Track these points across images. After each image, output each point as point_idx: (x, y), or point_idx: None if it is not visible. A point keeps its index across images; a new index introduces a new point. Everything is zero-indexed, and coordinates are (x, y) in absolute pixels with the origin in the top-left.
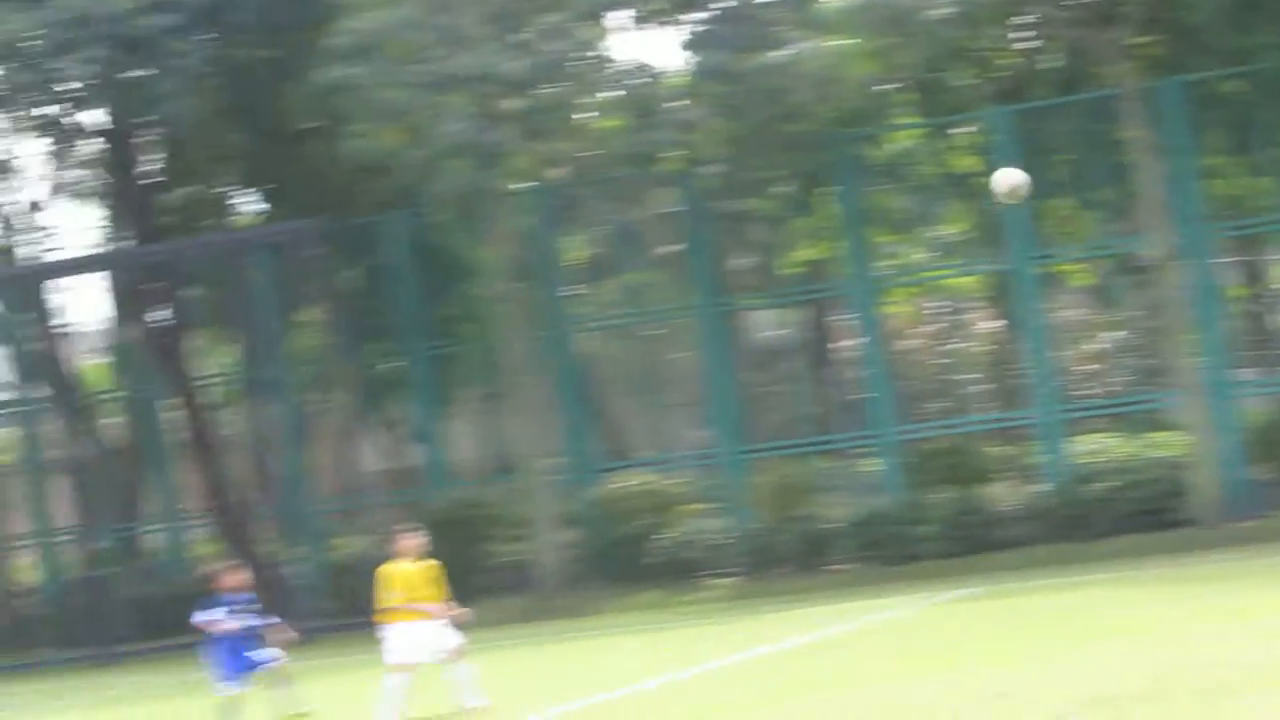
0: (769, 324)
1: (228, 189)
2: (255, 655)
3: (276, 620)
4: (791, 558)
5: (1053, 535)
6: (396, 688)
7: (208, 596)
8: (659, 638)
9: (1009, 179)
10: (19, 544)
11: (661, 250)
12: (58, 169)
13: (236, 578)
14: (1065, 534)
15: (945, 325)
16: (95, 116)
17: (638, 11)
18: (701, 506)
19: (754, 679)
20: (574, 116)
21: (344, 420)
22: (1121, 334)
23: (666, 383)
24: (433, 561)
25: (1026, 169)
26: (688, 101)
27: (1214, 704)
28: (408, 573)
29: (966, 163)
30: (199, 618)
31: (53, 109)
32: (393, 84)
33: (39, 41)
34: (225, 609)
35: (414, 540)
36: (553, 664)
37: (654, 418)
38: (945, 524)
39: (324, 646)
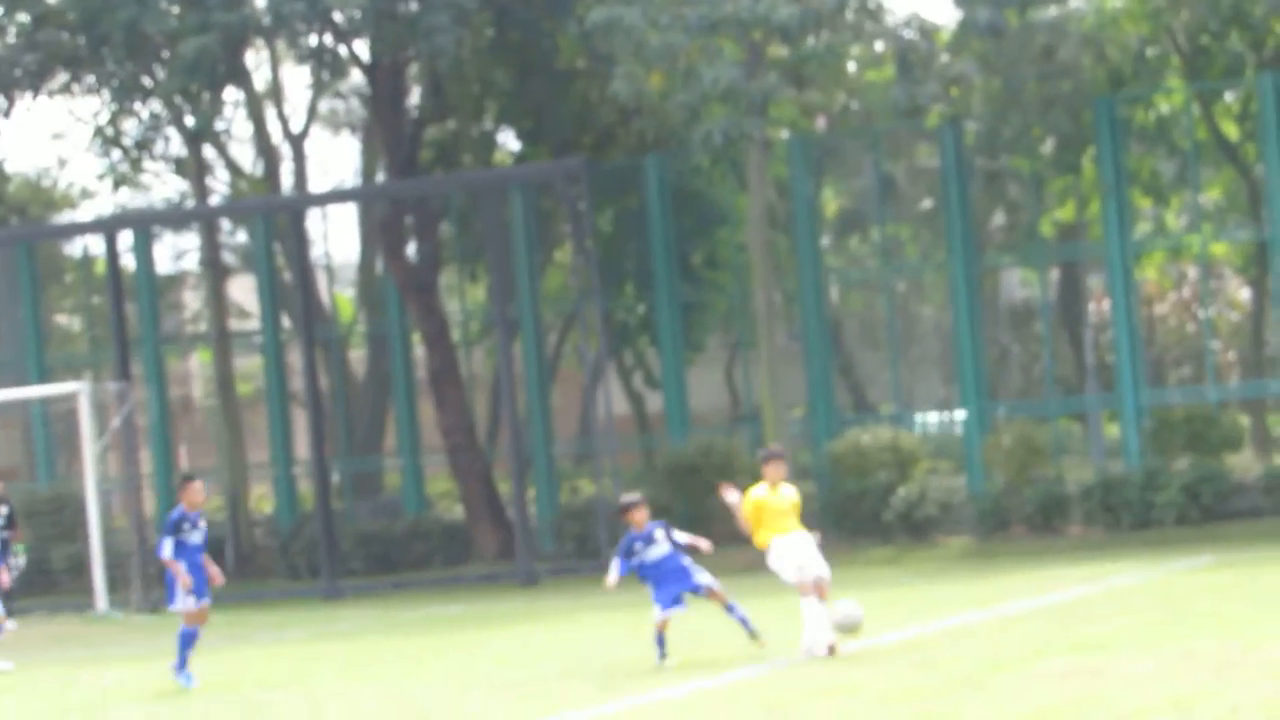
0: (1022, 284)
1: (487, 126)
2: (690, 579)
3: (693, 541)
4: (1027, 519)
5: None
6: (813, 608)
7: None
8: (893, 594)
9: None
10: (258, 473)
11: (919, 205)
12: (321, 100)
13: (641, 514)
14: None
15: (1198, 292)
16: (361, 48)
17: None
18: (940, 464)
19: (984, 640)
20: (842, 66)
21: (587, 363)
22: None
23: (913, 338)
24: (795, 491)
25: None
26: (954, 56)
27: None
28: (771, 499)
29: (1230, 129)
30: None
31: (321, 38)
32: (662, 26)
33: None
34: (639, 542)
35: (779, 466)
36: (785, 616)
37: (899, 373)
38: (1184, 492)
39: (552, 589)
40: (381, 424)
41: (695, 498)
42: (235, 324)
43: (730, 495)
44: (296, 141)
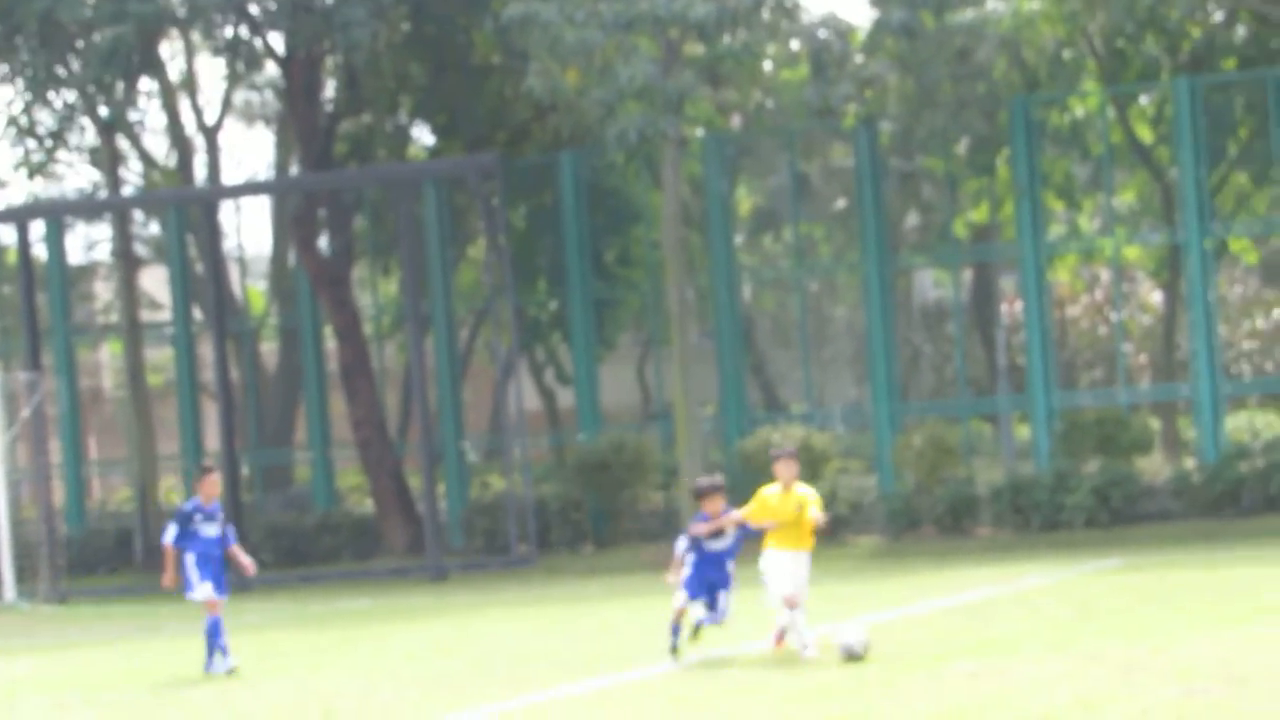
0: (935, 284)
1: (402, 121)
2: (723, 587)
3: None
4: (937, 520)
5: (1202, 511)
6: (795, 619)
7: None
8: None
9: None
10: (168, 465)
11: (833, 205)
12: (235, 92)
13: (717, 503)
14: (1215, 511)
15: (1110, 295)
16: (276, 41)
17: None
18: (850, 463)
19: (893, 640)
20: (758, 65)
21: (500, 359)
22: None
23: (827, 338)
24: (810, 491)
25: (1206, 141)
26: (868, 57)
27: None
28: (779, 499)
29: (1145, 132)
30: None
31: (236, 30)
32: (578, 22)
33: None
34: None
35: (790, 467)
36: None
37: (810, 372)
38: (1094, 494)
39: (461, 584)
40: (292, 417)
41: (606, 494)
42: (146, 315)
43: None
44: (210, 133)
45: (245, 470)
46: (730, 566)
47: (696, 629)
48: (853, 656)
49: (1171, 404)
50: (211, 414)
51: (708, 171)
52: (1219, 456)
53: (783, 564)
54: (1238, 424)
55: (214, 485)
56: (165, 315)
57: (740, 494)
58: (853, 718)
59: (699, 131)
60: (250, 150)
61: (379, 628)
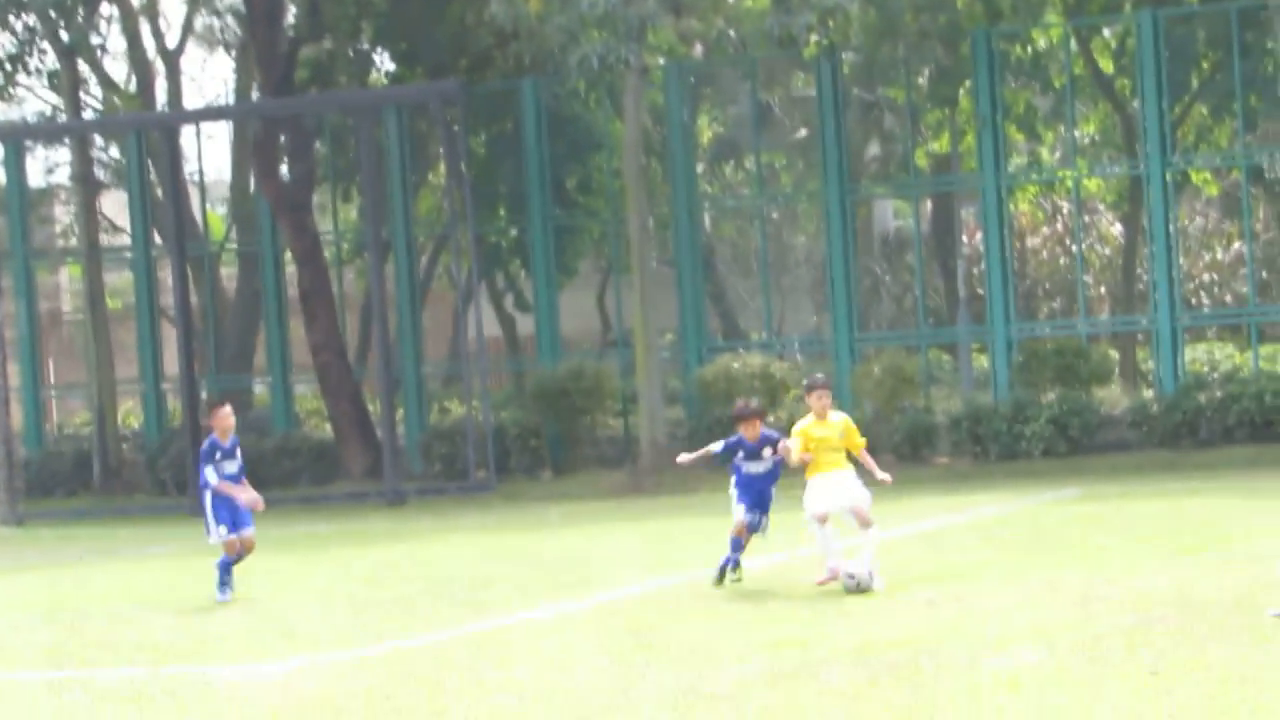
0: (895, 215)
1: (363, 47)
2: (763, 508)
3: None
4: (895, 448)
5: (1160, 442)
6: (827, 536)
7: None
8: None
9: None
10: (126, 389)
11: (794, 134)
12: (196, 16)
13: (756, 427)
14: (1172, 441)
15: (1071, 226)
16: None
17: None
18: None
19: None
20: None
21: (459, 285)
22: (1245, 245)
23: (785, 266)
24: (844, 417)
25: (1167, 73)
26: None
27: None
28: (819, 430)
29: (1107, 64)
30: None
31: None
32: None
33: None
34: (744, 451)
35: (823, 397)
36: (648, 540)
37: (770, 301)
38: (1052, 424)
39: (420, 509)
40: (251, 342)
41: (564, 420)
42: (106, 239)
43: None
44: (171, 58)
45: (204, 394)
46: (772, 491)
47: (723, 572)
48: (860, 588)
49: (1130, 335)
50: (171, 338)
51: (669, 100)
52: (1177, 388)
53: (826, 487)
54: (1196, 355)
55: (227, 418)
56: (125, 239)
57: (699, 420)
58: (808, 644)
59: (660, 60)
60: (211, 75)
61: (337, 552)
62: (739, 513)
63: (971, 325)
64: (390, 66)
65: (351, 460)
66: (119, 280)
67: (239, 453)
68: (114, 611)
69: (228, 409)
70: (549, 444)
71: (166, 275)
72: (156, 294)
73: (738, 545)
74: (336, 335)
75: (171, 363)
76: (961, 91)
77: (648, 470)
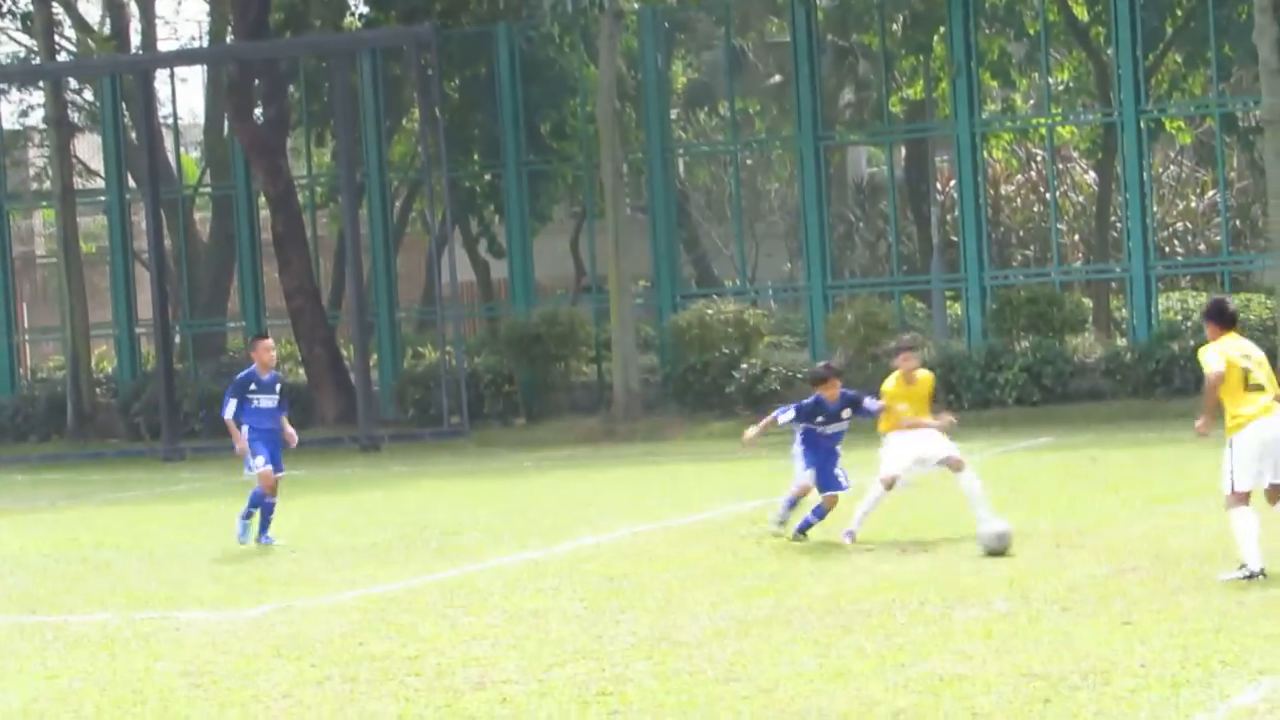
0: (869, 161)
1: None
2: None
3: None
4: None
5: (1133, 390)
6: (877, 500)
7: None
8: (733, 466)
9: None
10: (100, 333)
11: (768, 80)
12: None
13: (836, 388)
14: (1146, 390)
15: (1045, 174)
16: None
17: None
18: (784, 339)
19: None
20: None
21: (433, 230)
22: (1219, 194)
23: (759, 213)
24: (929, 375)
25: (1142, 20)
26: None
27: None
28: (905, 390)
29: (1081, 11)
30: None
31: None
32: None
33: None
34: (823, 415)
35: (910, 359)
36: (622, 487)
37: (744, 247)
38: (1026, 372)
39: (393, 454)
40: (225, 286)
41: (538, 366)
42: (80, 183)
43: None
44: (145, 1)
45: (178, 339)
46: (839, 449)
47: (785, 519)
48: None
49: (1104, 283)
50: (145, 282)
51: (643, 44)
52: (1151, 336)
53: (907, 445)
54: (1170, 304)
55: (267, 351)
56: (99, 183)
57: (673, 367)
58: (780, 593)
59: (635, 4)
60: (185, 19)
61: (311, 497)
62: (805, 476)
63: (945, 273)
64: (364, 10)
65: (325, 405)
66: (93, 224)
67: (280, 388)
68: (86, 557)
69: (268, 341)
70: (523, 390)
71: (140, 219)
72: (130, 238)
73: (791, 504)
74: (310, 280)
75: (145, 307)
76: (935, 38)
77: (621, 416)
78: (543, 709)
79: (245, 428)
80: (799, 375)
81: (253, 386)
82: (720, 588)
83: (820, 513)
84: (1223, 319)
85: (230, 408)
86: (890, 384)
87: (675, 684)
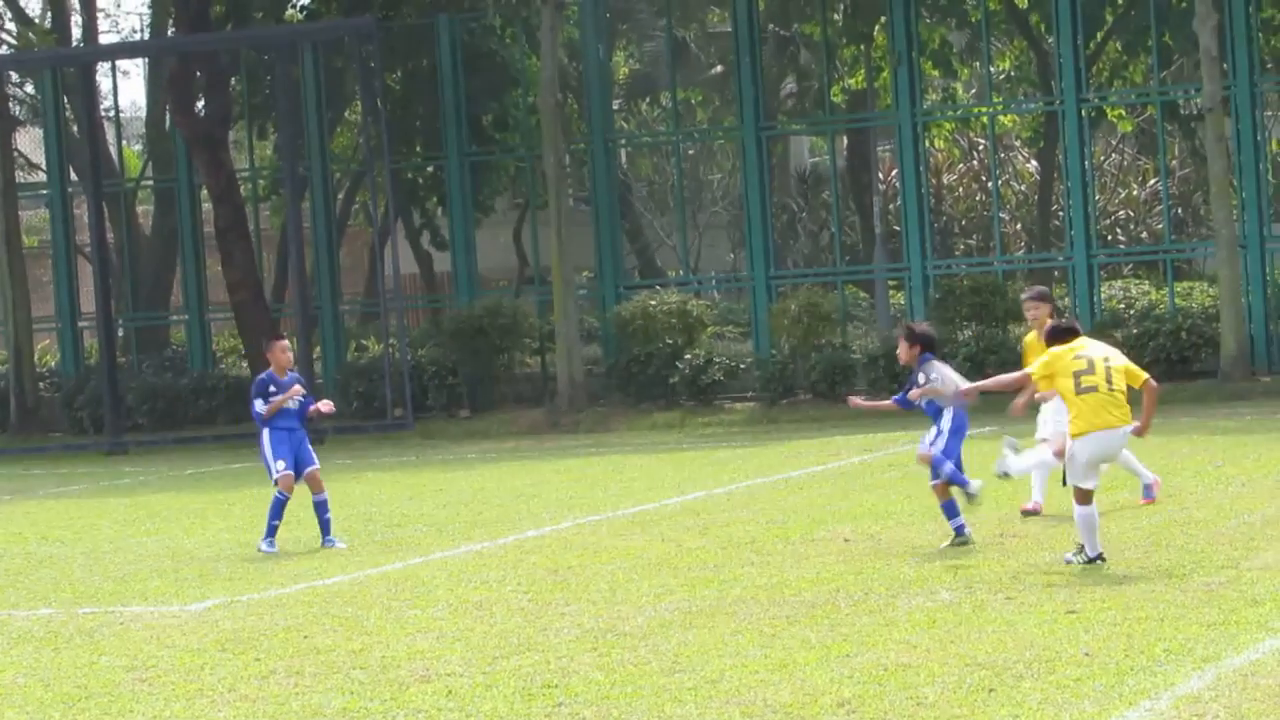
0: (811, 151)
1: None
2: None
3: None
4: (812, 386)
5: None
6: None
7: None
8: (676, 457)
9: None
10: (42, 328)
11: (710, 70)
12: None
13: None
14: None
15: (986, 163)
16: None
17: None
18: (727, 329)
19: (767, 506)
20: None
21: (376, 222)
22: (1161, 182)
23: (702, 204)
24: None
25: (1082, 8)
26: None
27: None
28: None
29: (1022, 0)
30: None
31: None
32: None
33: None
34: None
35: (1036, 306)
36: (566, 478)
37: (687, 238)
38: (969, 361)
39: (337, 447)
40: (168, 279)
41: (482, 358)
42: (22, 176)
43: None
44: None
45: (121, 332)
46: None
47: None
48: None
49: (1047, 272)
50: (87, 276)
51: (584, 35)
52: (1094, 324)
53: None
54: (1113, 292)
55: (283, 352)
56: (41, 176)
57: (617, 359)
58: (724, 583)
59: None
60: (126, 11)
61: (254, 490)
62: (946, 470)
63: (888, 262)
64: (305, 2)
65: None
66: (35, 217)
67: (299, 388)
68: (29, 551)
69: (284, 342)
70: (466, 382)
71: (83, 212)
72: (73, 231)
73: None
74: (253, 272)
75: (88, 301)
76: (877, 27)
77: (565, 408)
78: (488, 701)
79: (266, 430)
80: (741, 366)
81: (272, 388)
82: (664, 579)
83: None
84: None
85: (259, 404)
86: (1030, 338)
87: (620, 675)
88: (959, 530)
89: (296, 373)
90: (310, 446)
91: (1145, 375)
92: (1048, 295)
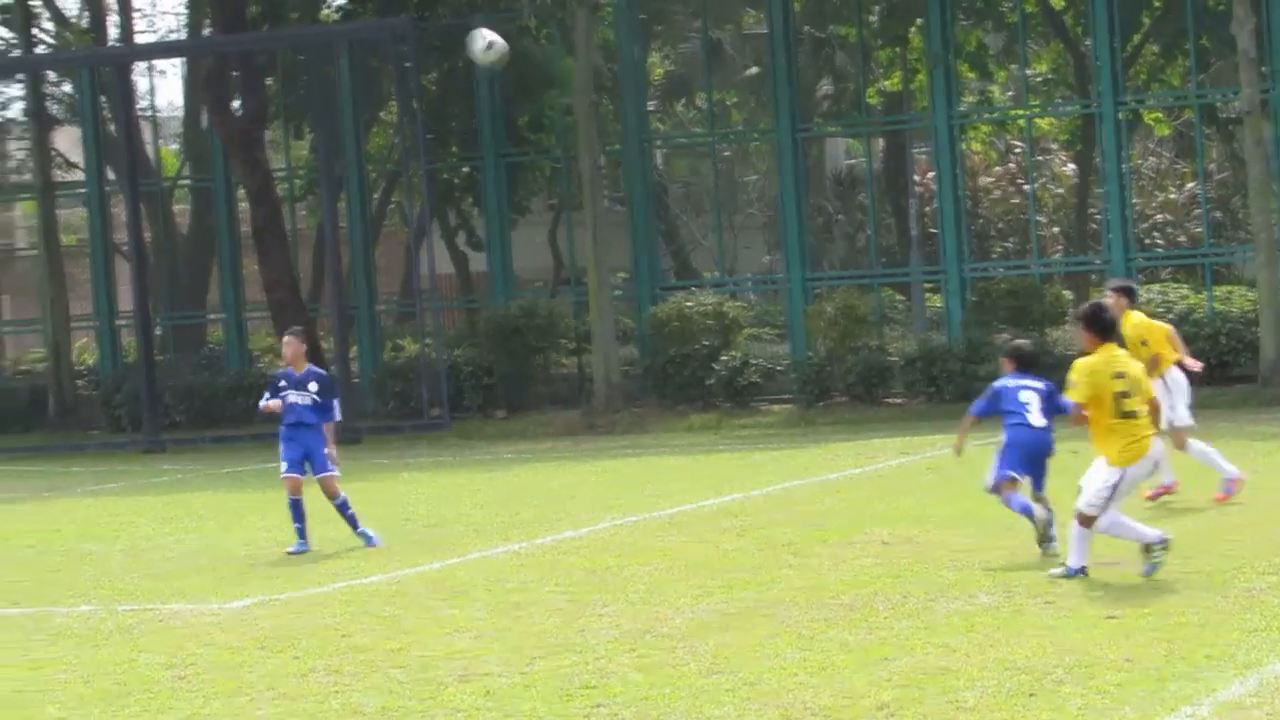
0: (847, 153)
1: None
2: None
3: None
4: (849, 388)
5: None
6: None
7: None
8: (711, 459)
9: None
10: (80, 326)
11: (745, 71)
12: None
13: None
14: None
15: (1023, 165)
16: None
17: None
18: (763, 331)
19: (804, 508)
20: None
21: (411, 222)
22: (1199, 186)
23: (737, 205)
24: (1138, 319)
25: (1119, 11)
26: None
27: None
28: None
29: (1059, 2)
30: None
31: None
32: None
33: None
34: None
35: (1114, 297)
36: (603, 479)
37: (722, 239)
38: None
39: (374, 447)
40: (205, 279)
41: (518, 358)
42: (60, 175)
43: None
44: None
45: (158, 331)
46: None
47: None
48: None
49: (1084, 275)
50: (124, 274)
51: (620, 37)
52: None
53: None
54: (1151, 296)
55: (287, 347)
56: (79, 175)
57: (653, 360)
58: (762, 585)
59: None
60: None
61: None
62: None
63: (924, 265)
64: (342, 2)
65: None
66: (72, 216)
67: (314, 385)
68: (69, 548)
69: (288, 337)
70: (502, 382)
71: (120, 211)
72: (110, 230)
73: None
74: (290, 272)
75: (124, 299)
76: (913, 29)
77: (602, 409)
78: (526, 701)
79: (281, 428)
80: (778, 368)
81: (282, 382)
82: (702, 580)
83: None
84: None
85: (264, 399)
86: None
87: (659, 677)
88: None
89: (314, 367)
90: (326, 450)
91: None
92: (1129, 288)
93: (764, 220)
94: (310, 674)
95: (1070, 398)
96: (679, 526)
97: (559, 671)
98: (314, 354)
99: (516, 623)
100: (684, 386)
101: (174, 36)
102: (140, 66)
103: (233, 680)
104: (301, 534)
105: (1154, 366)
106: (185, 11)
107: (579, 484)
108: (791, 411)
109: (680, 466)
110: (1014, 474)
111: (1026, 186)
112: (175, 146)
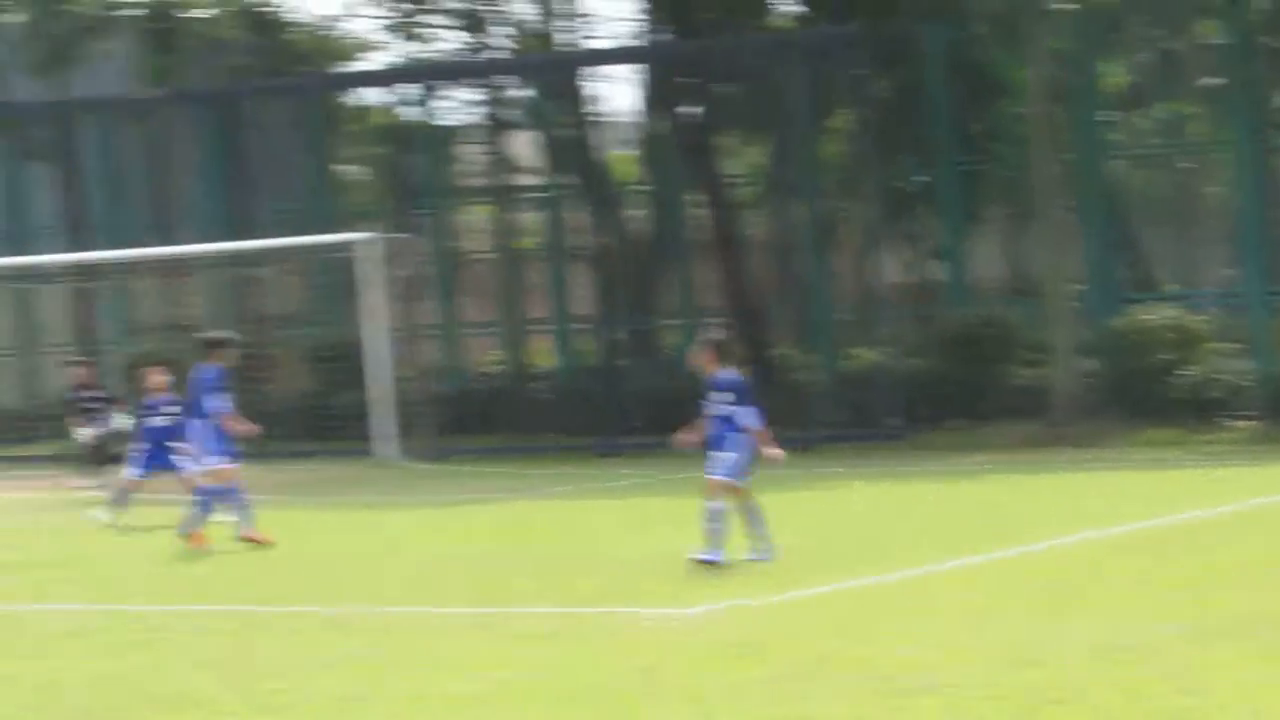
0: None
1: None
2: None
3: None
4: None
5: None
6: None
7: None
8: (1173, 475)
9: None
10: (536, 329)
11: (1202, 82)
12: None
13: None
14: None
15: None
16: None
17: None
18: (1226, 346)
19: (1271, 524)
20: None
21: (866, 231)
22: None
23: (1196, 217)
24: None
25: None
26: None
27: None
28: None
29: None
30: None
31: None
32: None
33: None
34: None
35: None
36: (1064, 492)
37: (1181, 252)
38: None
39: (829, 455)
40: (658, 284)
41: (975, 368)
42: (515, 179)
43: None
44: None
45: (618, 336)
46: None
47: None
48: None
49: None
50: (578, 279)
51: (1076, 46)
52: None
53: None
54: None
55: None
56: (533, 180)
57: (1114, 373)
58: (1236, 604)
59: (1068, 5)
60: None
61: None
62: None
63: None
64: (796, 9)
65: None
66: (526, 219)
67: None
68: (529, 551)
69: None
70: (958, 392)
71: (573, 216)
72: (564, 234)
73: None
74: (744, 278)
75: (576, 304)
76: None
77: (1063, 421)
78: (992, 715)
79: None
80: (1244, 384)
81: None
82: (1172, 596)
83: None
84: None
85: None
86: None
87: (1128, 695)
88: None
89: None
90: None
91: None
92: None
93: (1224, 233)
94: (776, 681)
95: None
96: (1144, 542)
97: (1026, 685)
98: (766, 361)
99: (981, 635)
100: (1143, 400)
101: (624, 42)
102: (593, 71)
103: (699, 685)
104: (757, 541)
105: None
106: (641, 18)
107: (1042, 497)
108: (1257, 428)
109: (1145, 481)
110: None
111: None
112: (628, 151)
